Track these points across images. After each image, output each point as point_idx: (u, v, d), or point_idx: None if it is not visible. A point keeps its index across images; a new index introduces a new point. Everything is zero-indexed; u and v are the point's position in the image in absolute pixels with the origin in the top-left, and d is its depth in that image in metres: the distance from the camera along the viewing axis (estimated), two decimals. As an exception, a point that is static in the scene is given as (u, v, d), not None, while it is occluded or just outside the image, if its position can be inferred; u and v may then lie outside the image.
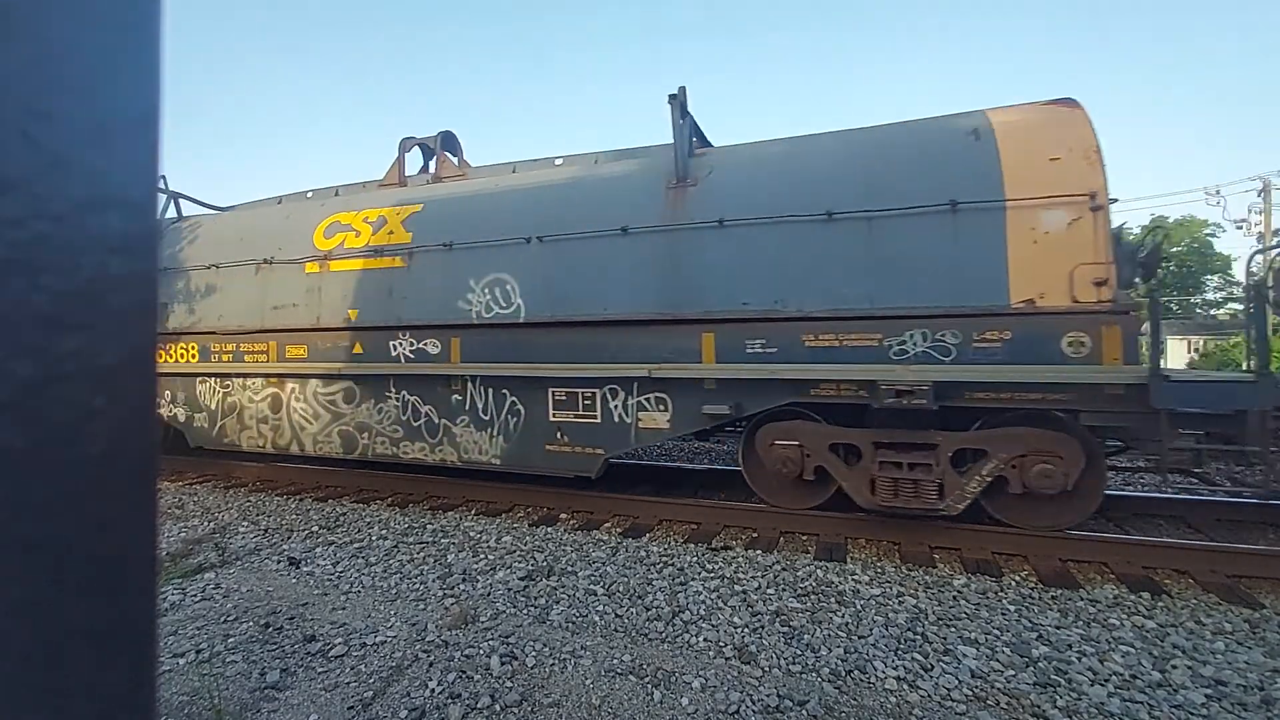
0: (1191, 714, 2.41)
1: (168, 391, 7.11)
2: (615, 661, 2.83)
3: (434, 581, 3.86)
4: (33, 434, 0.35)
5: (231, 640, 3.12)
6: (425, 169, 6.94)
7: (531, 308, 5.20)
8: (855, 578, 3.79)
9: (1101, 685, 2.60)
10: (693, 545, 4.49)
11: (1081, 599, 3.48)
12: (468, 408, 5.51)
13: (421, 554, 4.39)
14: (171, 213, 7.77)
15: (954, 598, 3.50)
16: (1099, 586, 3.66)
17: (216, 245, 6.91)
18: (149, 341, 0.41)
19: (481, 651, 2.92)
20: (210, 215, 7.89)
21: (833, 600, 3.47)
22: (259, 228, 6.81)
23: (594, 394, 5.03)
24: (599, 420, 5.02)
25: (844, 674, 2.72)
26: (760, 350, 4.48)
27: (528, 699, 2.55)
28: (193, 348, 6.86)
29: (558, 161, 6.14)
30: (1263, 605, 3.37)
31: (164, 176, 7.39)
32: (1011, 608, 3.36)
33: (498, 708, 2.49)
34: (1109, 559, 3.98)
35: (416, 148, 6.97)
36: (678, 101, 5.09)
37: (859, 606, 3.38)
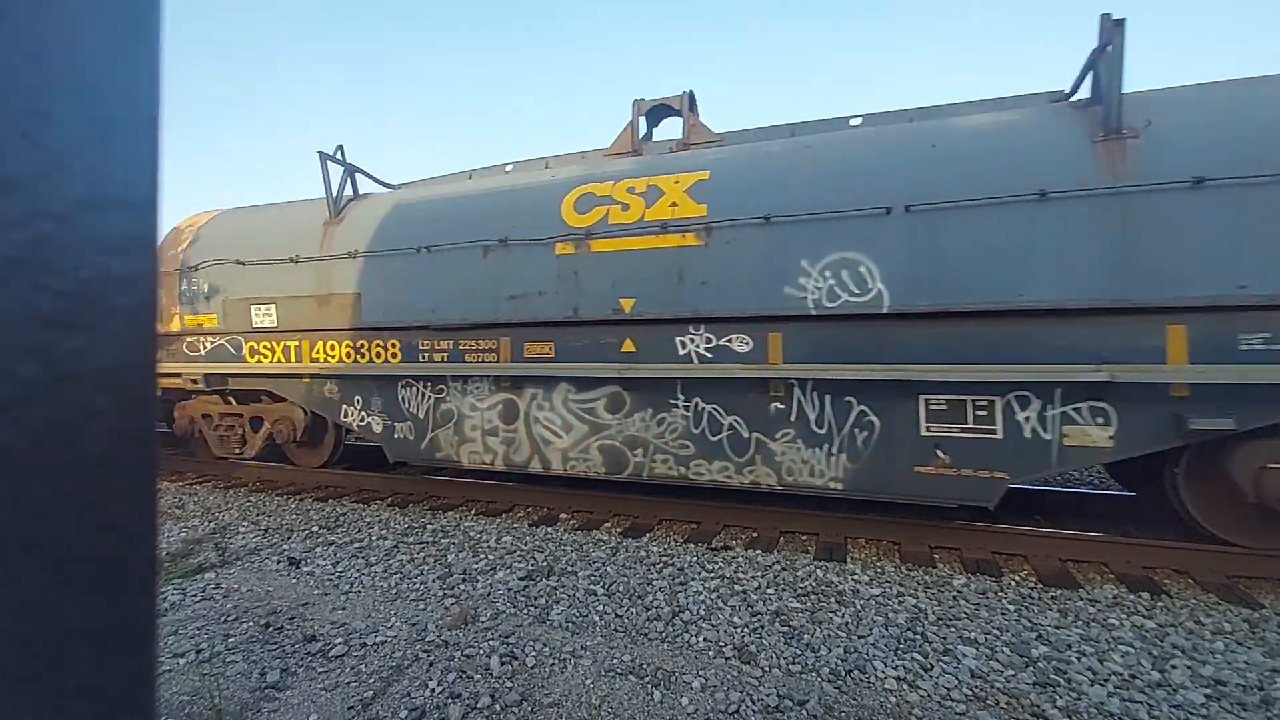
0: (1191, 714, 2.41)
1: (358, 397, 5.98)
2: (615, 661, 2.83)
3: (434, 581, 3.86)
4: (33, 434, 0.35)
5: (232, 640, 3.12)
6: (649, 136, 5.93)
7: (898, 294, 4.08)
8: (855, 577, 3.79)
9: (1101, 685, 2.61)
10: (693, 545, 4.49)
11: (1081, 599, 3.48)
12: (793, 419, 4.43)
13: (421, 554, 4.39)
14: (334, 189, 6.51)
15: (954, 598, 3.50)
16: (1099, 586, 3.67)
17: (420, 224, 5.73)
18: (149, 341, 0.41)
19: (481, 651, 2.92)
20: (388, 192, 6.71)
21: (833, 600, 3.47)
22: (478, 203, 5.62)
23: (991, 402, 3.98)
24: (1000, 435, 3.96)
25: (844, 674, 2.73)
26: (1262, 347, 3.50)
27: (528, 699, 2.55)
28: (393, 345, 5.67)
29: (854, 121, 5.10)
30: (1262, 605, 3.37)
31: (341, 146, 6.37)
32: (1011, 608, 3.36)
33: (498, 708, 2.49)
34: (1109, 559, 3.98)
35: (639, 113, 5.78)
36: (1119, 30, 3.92)
37: (859, 606, 3.38)
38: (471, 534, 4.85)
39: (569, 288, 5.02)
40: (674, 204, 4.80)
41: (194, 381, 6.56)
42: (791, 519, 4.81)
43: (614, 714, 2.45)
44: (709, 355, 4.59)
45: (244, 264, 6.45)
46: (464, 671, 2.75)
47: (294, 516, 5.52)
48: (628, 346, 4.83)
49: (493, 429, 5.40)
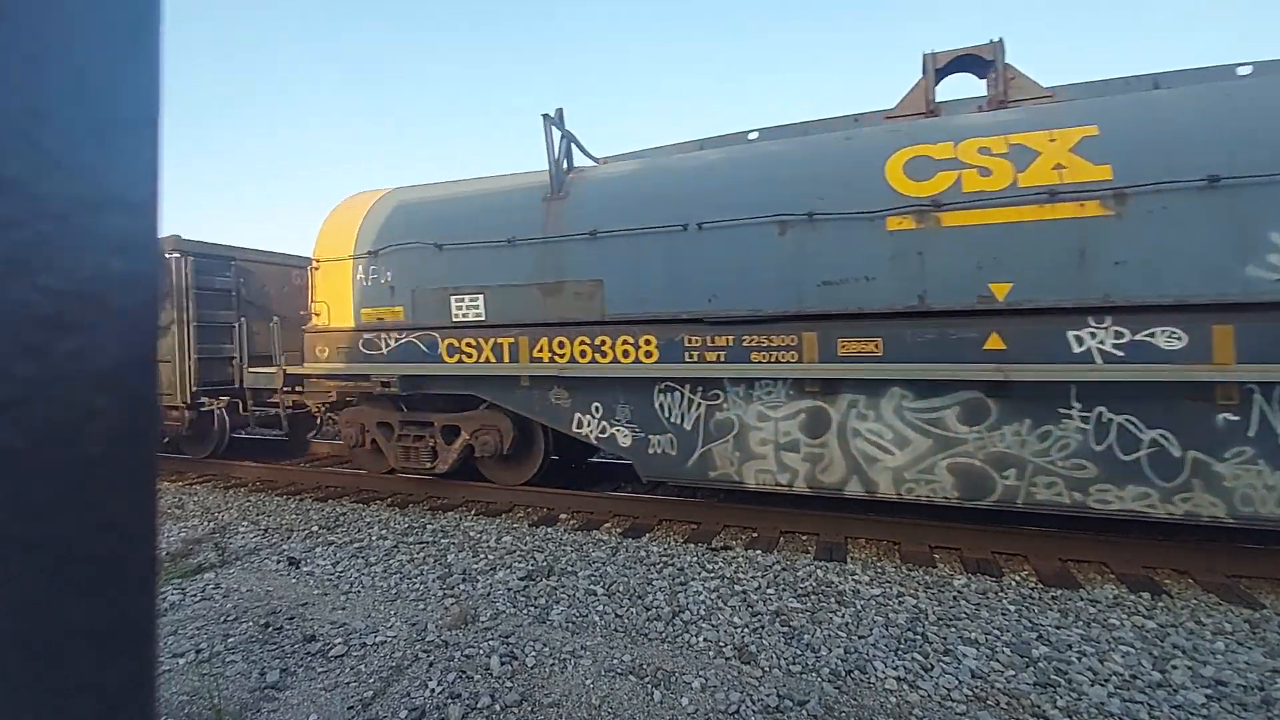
0: (1191, 714, 2.41)
1: (596, 405, 5.03)
2: (615, 661, 2.83)
3: (434, 581, 3.86)
4: (33, 434, 0.35)
5: (231, 640, 3.12)
6: (930, 97, 4.99)
7: None
8: (855, 578, 3.79)
9: (1101, 685, 2.60)
10: (693, 545, 4.49)
11: (1081, 599, 3.48)
12: (1252, 434, 3.53)
13: (421, 554, 4.39)
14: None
15: (954, 598, 3.50)
16: (1099, 586, 3.67)
17: (682, 197, 4.79)
18: (149, 341, 0.41)
19: (481, 651, 2.92)
20: (613, 163, 5.79)
21: (833, 600, 3.47)
22: (760, 171, 4.70)
23: None
24: None
25: (844, 674, 2.73)
26: None
27: (528, 699, 2.55)
28: (648, 342, 4.75)
29: (1242, 70, 4.24)
30: (1263, 605, 3.37)
31: (560, 110, 5.48)
32: (1012, 608, 3.36)
33: (498, 708, 2.49)
34: (1109, 559, 3.98)
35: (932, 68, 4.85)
36: None
37: (859, 606, 3.38)
38: (471, 534, 4.85)
39: (910, 271, 4.10)
40: (1058, 166, 3.88)
41: (385, 385, 5.65)
42: (791, 519, 4.81)
43: (614, 714, 2.45)
44: (1118, 353, 3.69)
45: (441, 248, 5.52)
46: (464, 671, 2.75)
47: (294, 516, 5.52)
48: (993, 343, 3.90)
49: (791, 443, 4.44)
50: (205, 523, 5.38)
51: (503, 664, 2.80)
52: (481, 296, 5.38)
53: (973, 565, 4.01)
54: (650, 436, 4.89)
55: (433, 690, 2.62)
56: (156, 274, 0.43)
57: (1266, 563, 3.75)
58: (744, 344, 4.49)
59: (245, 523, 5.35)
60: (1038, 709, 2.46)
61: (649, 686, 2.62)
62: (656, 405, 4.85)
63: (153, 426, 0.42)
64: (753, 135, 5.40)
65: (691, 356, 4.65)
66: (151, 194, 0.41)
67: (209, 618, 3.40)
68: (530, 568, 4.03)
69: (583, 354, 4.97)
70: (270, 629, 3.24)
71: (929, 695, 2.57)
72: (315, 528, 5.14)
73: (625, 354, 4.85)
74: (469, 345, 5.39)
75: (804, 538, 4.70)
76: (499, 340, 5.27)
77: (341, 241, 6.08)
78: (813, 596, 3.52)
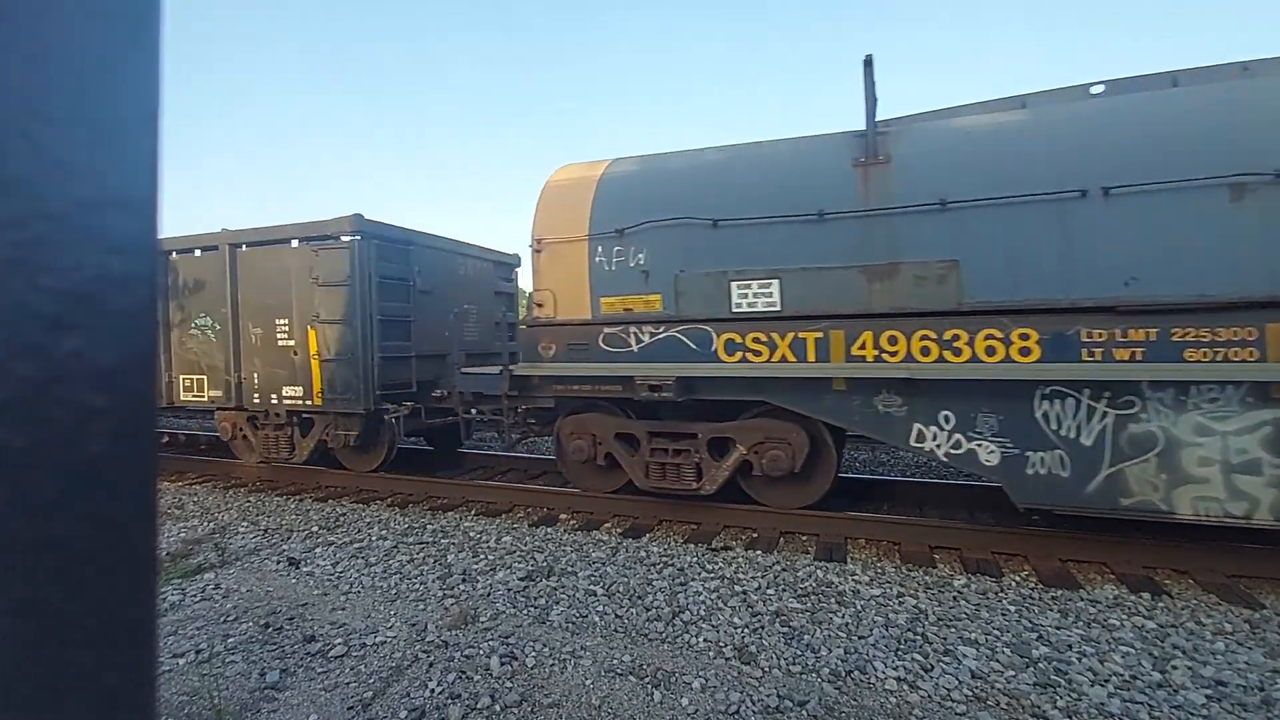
0: (1192, 714, 2.41)
1: (945, 414, 4.12)
2: (615, 662, 2.83)
3: (434, 582, 3.86)
4: (33, 434, 0.35)
5: (231, 640, 3.12)
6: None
7: None
8: (855, 578, 3.79)
9: (1101, 686, 2.60)
10: (693, 545, 4.49)
11: (1081, 599, 3.48)
12: None
13: (421, 554, 4.39)
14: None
15: (954, 598, 3.50)
16: (1099, 586, 3.67)
17: (1073, 159, 3.86)
18: (149, 341, 0.41)
19: (481, 652, 2.92)
20: (946, 118, 4.65)
21: (833, 601, 3.47)
22: (1180, 124, 3.78)
23: None
24: None
25: (844, 674, 2.73)
26: None
27: (528, 699, 2.55)
28: (1024, 336, 3.86)
29: None
30: (1263, 605, 3.37)
31: (870, 56, 4.49)
32: (1012, 608, 3.36)
33: (497, 708, 2.49)
34: (1109, 559, 3.98)
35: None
36: None
37: (859, 607, 3.38)
38: (471, 534, 4.85)
39: None
40: None
41: (654, 388, 4.66)
42: (791, 520, 4.81)
43: (614, 714, 2.45)
44: None
45: (717, 224, 4.64)
46: (464, 672, 2.75)
47: (294, 516, 5.52)
48: None
49: (1249, 464, 3.53)
50: (205, 523, 5.38)
51: (503, 664, 2.80)
52: (776, 282, 4.49)
53: (973, 565, 4.01)
54: (1029, 454, 3.95)
55: (433, 690, 2.62)
56: (156, 274, 0.43)
57: (1266, 563, 3.75)
58: (1173, 338, 3.58)
59: (245, 523, 5.35)
60: (1038, 709, 2.46)
61: (649, 687, 2.62)
62: (1038, 415, 3.92)
63: (153, 426, 0.42)
64: (1096, 89, 4.38)
65: (1093, 354, 3.73)
66: (151, 194, 0.41)
67: (209, 618, 3.40)
68: (530, 568, 4.03)
69: (925, 351, 4.09)
70: (270, 629, 3.24)
71: (929, 695, 2.57)
72: (315, 528, 5.14)
73: (990, 351, 3.94)
74: (756, 341, 4.50)
75: (804, 538, 4.70)
76: (800, 334, 4.38)
77: (572, 218, 5.10)
78: (813, 597, 3.53)
